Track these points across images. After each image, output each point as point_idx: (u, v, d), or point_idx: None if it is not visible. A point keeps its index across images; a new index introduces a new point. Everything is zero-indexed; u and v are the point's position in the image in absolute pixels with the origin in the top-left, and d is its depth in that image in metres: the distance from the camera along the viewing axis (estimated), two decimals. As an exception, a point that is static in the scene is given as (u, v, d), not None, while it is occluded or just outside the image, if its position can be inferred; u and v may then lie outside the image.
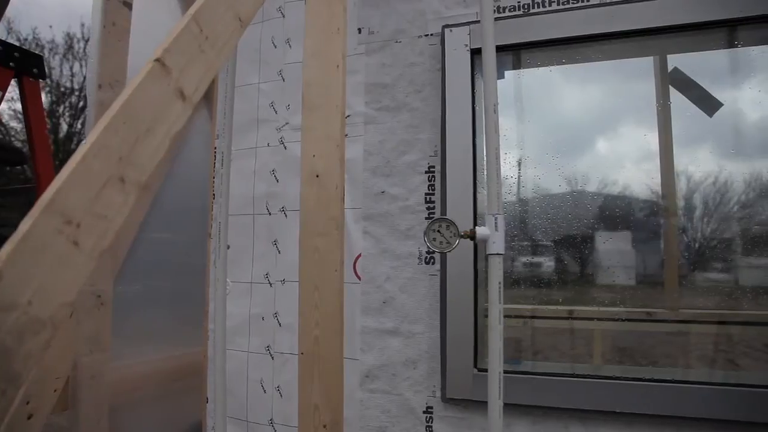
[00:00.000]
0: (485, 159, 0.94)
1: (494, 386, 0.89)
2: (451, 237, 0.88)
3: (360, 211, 1.31)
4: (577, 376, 1.13)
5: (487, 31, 0.93)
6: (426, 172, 1.27)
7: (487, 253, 0.87)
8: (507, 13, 1.25)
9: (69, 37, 9.43)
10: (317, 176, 0.92)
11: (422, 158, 1.27)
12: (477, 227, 0.88)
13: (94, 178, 0.60)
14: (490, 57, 0.93)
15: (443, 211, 1.20)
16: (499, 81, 1.29)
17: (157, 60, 0.69)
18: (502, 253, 0.87)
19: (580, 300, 1.29)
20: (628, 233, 1.28)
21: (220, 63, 0.81)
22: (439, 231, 0.89)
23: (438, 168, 1.25)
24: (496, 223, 0.87)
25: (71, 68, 9.46)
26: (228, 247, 1.12)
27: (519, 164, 1.31)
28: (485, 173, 1.18)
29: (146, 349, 1.67)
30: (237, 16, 0.84)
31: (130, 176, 0.63)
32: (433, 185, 1.25)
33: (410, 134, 1.29)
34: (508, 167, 1.30)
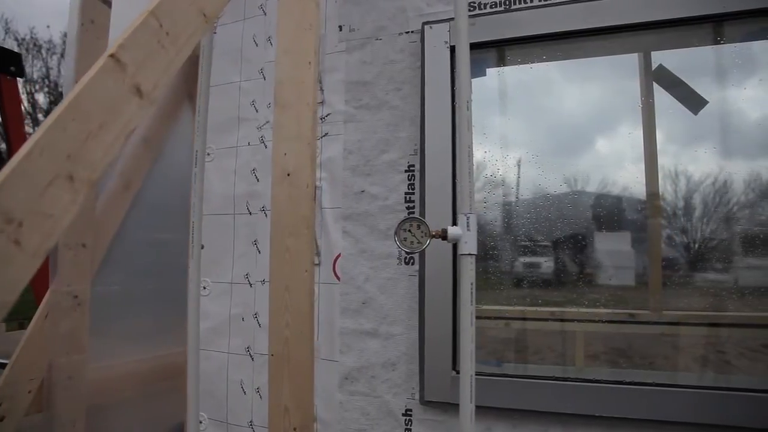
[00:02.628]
0: (458, 157, 0.92)
1: (466, 389, 0.88)
2: (422, 237, 0.87)
3: (339, 211, 1.30)
4: (558, 378, 1.11)
5: (461, 26, 0.91)
6: (406, 171, 1.25)
7: (459, 253, 0.86)
8: (488, 10, 1.23)
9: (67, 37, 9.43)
10: (288, 175, 0.91)
11: (402, 157, 1.26)
12: (449, 227, 0.86)
13: (38, 176, 0.58)
14: (463, 53, 0.91)
15: (422, 211, 1.18)
16: (480, 78, 1.28)
17: (111, 56, 0.67)
18: (474, 253, 0.85)
19: (561, 301, 1.27)
20: (611, 234, 1.26)
21: (183, 59, 0.80)
22: (409, 230, 0.88)
23: (418, 167, 1.23)
24: (468, 222, 0.86)
25: (70, 68, 9.46)
26: (202, 247, 1.10)
27: (517, 164, 1.29)
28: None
29: (129, 349, 1.65)
30: (201, 12, 0.83)
31: (79, 174, 0.62)
32: (413, 184, 1.24)
33: (390, 132, 1.27)
34: (493, 166, 1.28)
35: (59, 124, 0.60)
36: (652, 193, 1.23)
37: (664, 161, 1.22)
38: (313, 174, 0.91)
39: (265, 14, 1.46)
